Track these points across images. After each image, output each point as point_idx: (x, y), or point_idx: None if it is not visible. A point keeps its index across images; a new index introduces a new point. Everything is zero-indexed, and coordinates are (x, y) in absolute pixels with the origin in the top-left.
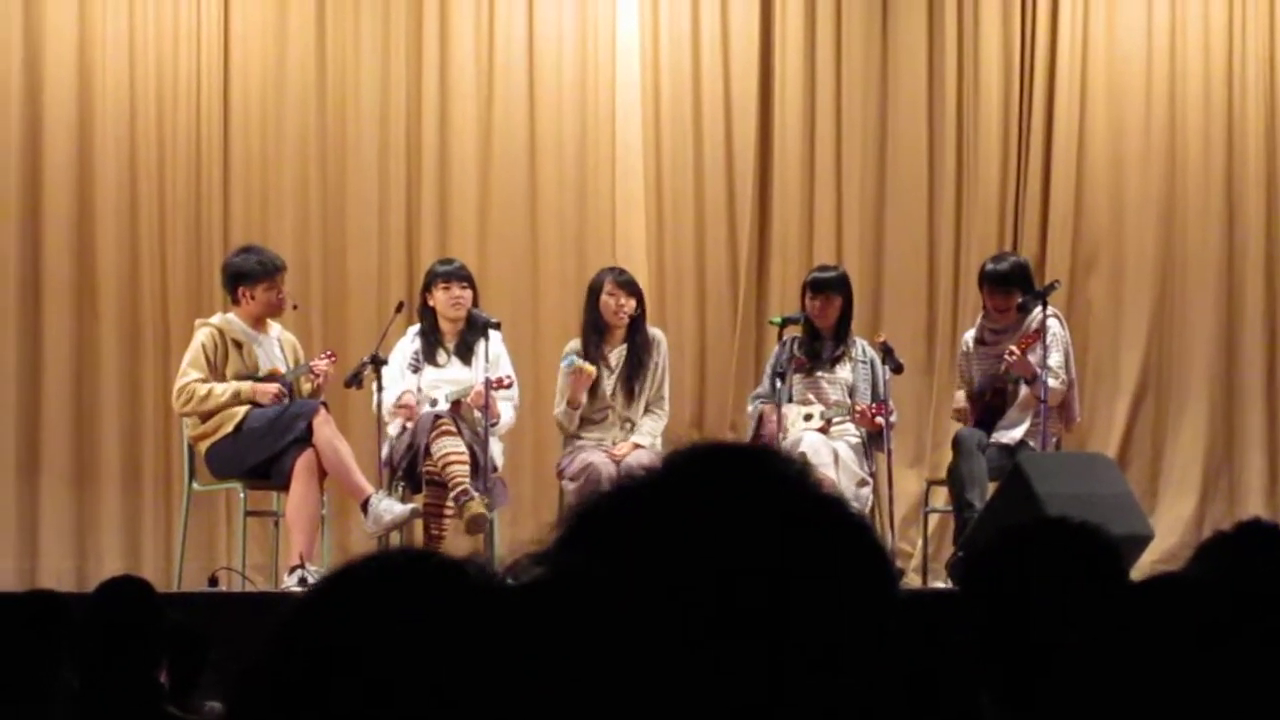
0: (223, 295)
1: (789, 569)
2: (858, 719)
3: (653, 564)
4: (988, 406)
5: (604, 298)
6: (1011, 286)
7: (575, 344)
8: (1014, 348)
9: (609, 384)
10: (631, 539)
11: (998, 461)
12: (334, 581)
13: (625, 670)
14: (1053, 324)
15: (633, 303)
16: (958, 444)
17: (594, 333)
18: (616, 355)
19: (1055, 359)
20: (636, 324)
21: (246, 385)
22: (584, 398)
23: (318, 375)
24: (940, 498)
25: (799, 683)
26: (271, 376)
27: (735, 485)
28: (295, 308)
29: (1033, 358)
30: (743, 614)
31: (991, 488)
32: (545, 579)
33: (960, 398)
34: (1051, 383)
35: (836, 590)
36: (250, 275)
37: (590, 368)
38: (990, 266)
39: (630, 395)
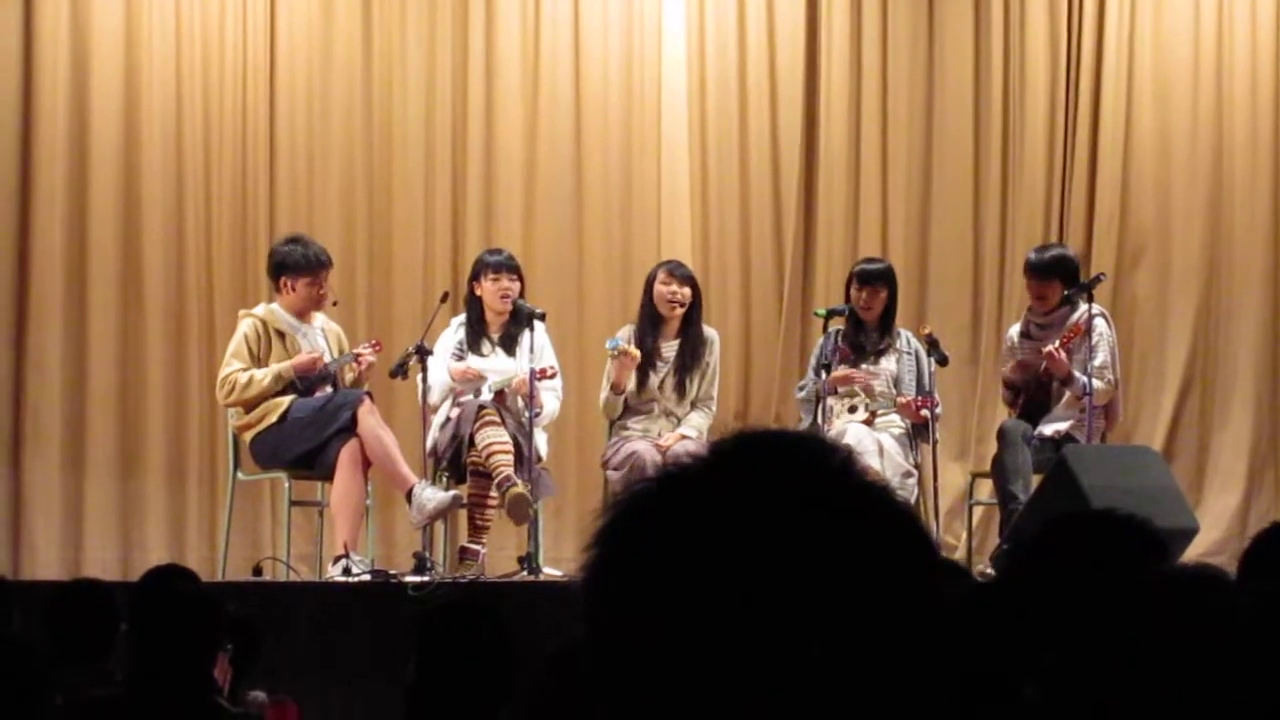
0: (268, 286)
1: (837, 557)
2: (905, 707)
3: (698, 553)
4: (1031, 400)
5: (658, 286)
6: (1050, 276)
7: (626, 330)
8: (1055, 344)
9: (659, 377)
10: (677, 527)
11: (1043, 454)
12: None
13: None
14: (1099, 324)
15: (687, 291)
16: (1002, 436)
17: (649, 324)
18: (670, 349)
19: (1101, 358)
20: (691, 317)
21: (285, 365)
22: (628, 382)
23: (362, 364)
24: (985, 490)
25: (845, 670)
26: (315, 365)
27: (782, 473)
28: (335, 304)
29: (1077, 355)
30: (788, 603)
31: (1036, 480)
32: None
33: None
34: (1097, 384)
35: (884, 578)
36: (293, 266)
37: (635, 351)
38: (1033, 256)
39: (681, 390)
